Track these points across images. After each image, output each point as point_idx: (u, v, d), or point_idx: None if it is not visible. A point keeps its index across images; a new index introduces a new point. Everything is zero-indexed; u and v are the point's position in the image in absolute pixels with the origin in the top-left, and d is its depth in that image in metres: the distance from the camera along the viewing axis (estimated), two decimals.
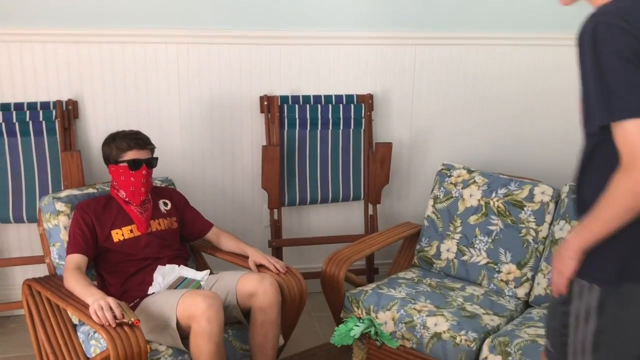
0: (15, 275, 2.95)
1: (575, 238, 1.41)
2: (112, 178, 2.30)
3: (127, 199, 2.27)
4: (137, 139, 2.26)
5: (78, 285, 2.01)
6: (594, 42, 1.26)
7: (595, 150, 1.41)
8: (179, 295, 2.00)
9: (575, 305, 1.43)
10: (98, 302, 1.87)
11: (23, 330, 2.71)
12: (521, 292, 2.49)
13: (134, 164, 2.23)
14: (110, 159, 2.27)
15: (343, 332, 1.76)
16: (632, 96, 1.23)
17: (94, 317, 1.86)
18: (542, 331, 2.17)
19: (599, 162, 1.40)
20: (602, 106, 1.27)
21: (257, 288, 2.11)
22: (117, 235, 2.22)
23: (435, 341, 2.22)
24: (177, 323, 1.97)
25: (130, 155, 2.23)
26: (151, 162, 2.29)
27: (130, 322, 1.83)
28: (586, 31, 1.29)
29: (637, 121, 1.22)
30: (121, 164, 2.24)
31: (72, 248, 2.15)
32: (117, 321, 1.83)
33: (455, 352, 2.17)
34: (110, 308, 1.86)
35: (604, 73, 1.25)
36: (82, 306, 1.98)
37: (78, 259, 2.13)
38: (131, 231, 2.25)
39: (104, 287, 2.22)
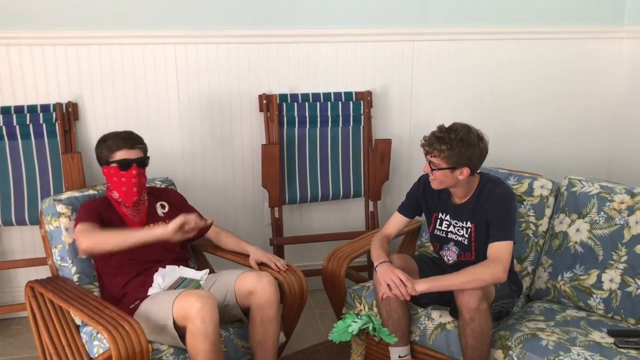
0: (19, 277, 2.97)
1: (426, 284, 2.07)
2: (105, 179, 2.29)
3: (119, 199, 2.26)
4: (127, 139, 2.23)
5: (108, 236, 2.07)
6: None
7: None
8: (175, 296, 2.01)
9: None
10: (164, 229, 2.03)
11: (27, 332, 2.74)
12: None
13: (124, 164, 2.21)
14: (102, 160, 2.25)
15: (341, 328, 1.76)
16: None
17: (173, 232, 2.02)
18: (543, 325, 2.18)
19: None
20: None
21: (255, 286, 2.12)
22: None
23: (439, 331, 2.23)
24: (174, 323, 1.98)
25: (120, 155, 2.21)
26: (143, 162, 2.25)
27: (207, 224, 2.12)
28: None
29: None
30: (112, 165, 2.22)
31: (81, 219, 2.15)
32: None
33: (458, 341, 2.17)
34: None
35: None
36: (84, 307, 2.00)
37: (88, 224, 2.12)
38: None
39: (104, 288, 2.24)
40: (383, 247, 2.33)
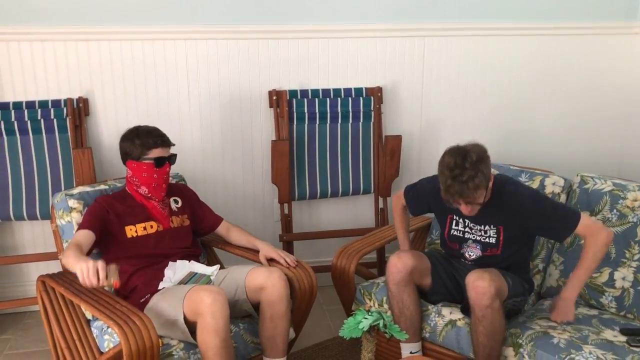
0: (30, 271, 2.99)
1: (574, 292, 2.11)
2: (131, 174, 2.29)
3: (149, 195, 2.29)
4: (162, 136, 2.28)
5: (72, 256, 1.95)
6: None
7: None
8: (186, 291, 2.01)
9: None
10: (86, 265, 1.83)
11: (38, 326, 2.75)
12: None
13: (160, 162, 2.24)
14: (132, 155, 2.26)
15: (352, 324, 1.76)
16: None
17: (80, 279, 1.84)
18: (554, 323, 2.16)
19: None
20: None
21: (265, 282, 2.12)
22: (131, 231, 2.24)
23: (450, 328, 2.22)
24: (185, 318, 1.98)
25: (156, 153, 2.24)
26: (174, 159, 2.31)
27: (110, 284, 1.82)
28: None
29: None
30: (145, 161, 2.24)
31: (79, 227, 2.17)
32: (99, 284, 1.82)
33: (469, 339, 2.16)
34: (97, 272, 1.83)
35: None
36: (94, 302, 2.00)
37: (82, 235, 2.12)
38: (144, 228, 2.27)
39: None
40: (405, 226, 2.51)
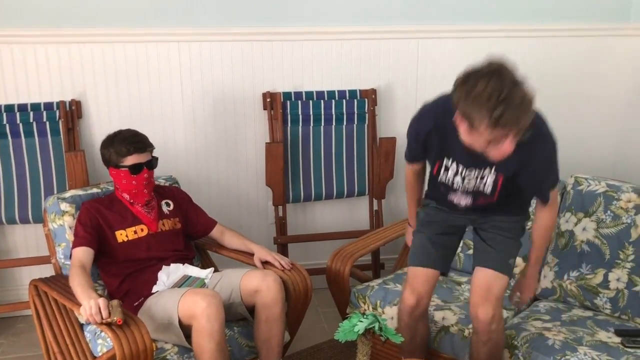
0: (22, 275, 2.96)
1: (536, 271, 2.11)
2: (113, 180, 2.29)
3: (131, 201, 2.28)
4: (137, 143, 2.22)
5: (80, 286, 1.95)
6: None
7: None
8: (180, 294, 2.00)
9: None
10: (89, 303, 1.84)
11: (31, 331, 2.73)
12: None
13: (135, 169, 2.21)
14: (110, 163, 2.24)
15: (347, 327, 1.75)
16: None
17: (83, 315, 1.86)
18: (549, 324, 2.16)
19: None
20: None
21: (260, 285, 2.11)
22: (121, 236, 2.23)
23: (443, 335, 2.22)
24: (179, 321, 1.97)
25: (131, 160, 2.20)
26: (152, 164, 2.26)
27: (113, 321, 1.83)
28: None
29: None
30: (122, 169, 2.21)
31: (76, 242, 2.15)
32: (103, 321, 1.84)
33: (463, 345, 2.17)
34: (100, 310, 1.84)
35: None
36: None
37: (83, 253, 2.10)
38: (135, 232, 2.25)
39: (108, 286, 2.23)
40: (415, 200, 2.24)
